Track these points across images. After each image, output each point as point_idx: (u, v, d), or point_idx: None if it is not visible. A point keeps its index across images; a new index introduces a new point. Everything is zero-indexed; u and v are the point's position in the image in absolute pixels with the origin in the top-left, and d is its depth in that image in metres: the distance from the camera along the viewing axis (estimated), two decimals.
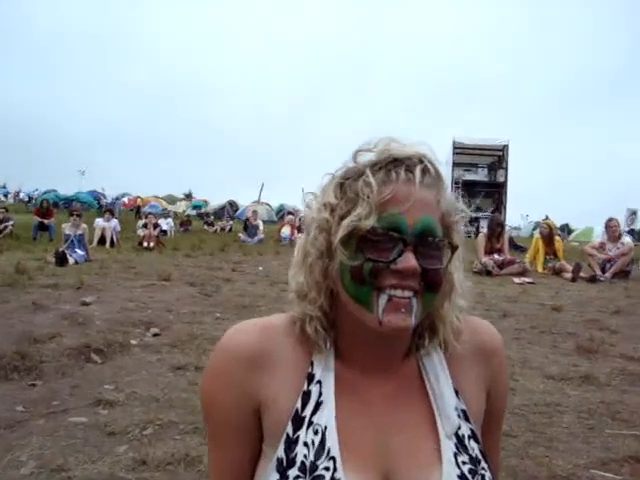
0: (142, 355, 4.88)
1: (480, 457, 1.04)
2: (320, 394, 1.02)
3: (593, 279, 10.91)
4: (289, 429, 0.99)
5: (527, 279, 10.66)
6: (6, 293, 7.24)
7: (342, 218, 0.98)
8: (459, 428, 1.04)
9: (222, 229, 27.21)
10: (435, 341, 1.08)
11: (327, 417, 1.00)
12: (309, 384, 1.03)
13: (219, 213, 34.98)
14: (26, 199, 47.29)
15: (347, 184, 1.00)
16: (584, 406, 3.76)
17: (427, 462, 1.00)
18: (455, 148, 28.21)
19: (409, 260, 0.93)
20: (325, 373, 1.04)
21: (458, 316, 1.08)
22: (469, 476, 0.99)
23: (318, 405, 1.01)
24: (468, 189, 26.46)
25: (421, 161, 0.99)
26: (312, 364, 1.05)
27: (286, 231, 21.19)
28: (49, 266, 10.64)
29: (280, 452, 0.98)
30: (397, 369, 1.08)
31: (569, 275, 11.19)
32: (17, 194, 52.79)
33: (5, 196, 49.17)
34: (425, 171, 0.98)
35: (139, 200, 43.36)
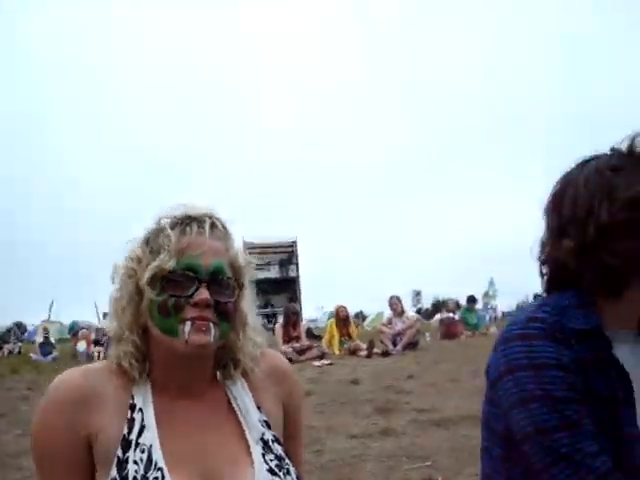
0: None
1: (284, 456, 1.27)
2: (143, 419, 1.18)
3: (386, 353, 11.66)
4: (119, 452, 1.13)
5: (326, 361, 11.03)
6: None
7: (148, 266, 1.20)
8: (264, 434, 1.27)
9: (10, 352, 24.74)
10: (238, 370, 1.32)
11: (151, 437, 1.16)
12: (132, 412, 1.18)
13: (5, 336, 31.87)
14: None
15: (151, 239, 1.24)
16: (384, 453, 4.05)
17: (241, 462, 1.20)
18: (246, 249, 28.23)
19: (203, 294, 1.18)
20: (145, 402, 1.21)
21: (255, 348, 1.33)
22: (276, 469, 1.22)
23: (142, 429, 1.16)
24: (261, 287, 26.53)
25: (210, 218, 1.27)
26: (133, 397, 1.21)
27: (82, 346, 19.88)
28: None
29: (113, 472, 1.11)
30: (206, 394, 1.29)
31: (364, 352, 11.82)
32: None
33: None
34: (214, 226, 1.26)
35: None
